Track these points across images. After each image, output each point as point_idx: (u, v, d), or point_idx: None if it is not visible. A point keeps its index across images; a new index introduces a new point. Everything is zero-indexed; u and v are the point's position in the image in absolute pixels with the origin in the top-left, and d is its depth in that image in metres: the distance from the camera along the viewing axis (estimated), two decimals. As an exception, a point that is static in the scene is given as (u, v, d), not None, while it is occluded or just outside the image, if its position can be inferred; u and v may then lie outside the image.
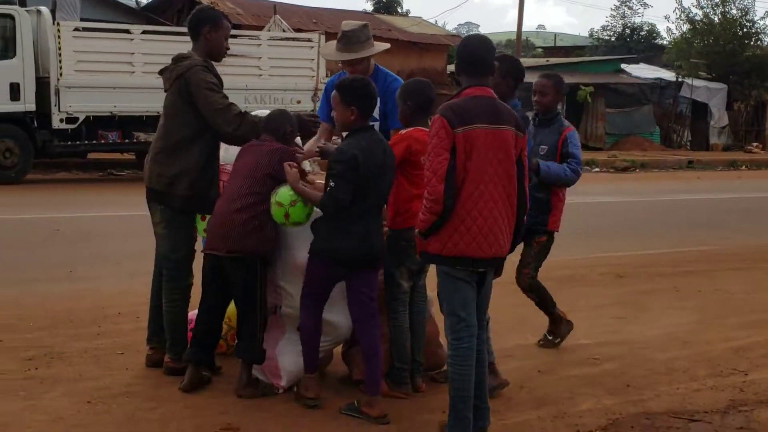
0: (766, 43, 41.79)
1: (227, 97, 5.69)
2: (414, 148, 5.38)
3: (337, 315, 5.53)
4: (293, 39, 20.50)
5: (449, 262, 4.67)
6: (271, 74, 18.48)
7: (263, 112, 5.89)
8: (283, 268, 5.52)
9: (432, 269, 5.18)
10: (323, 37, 19.47)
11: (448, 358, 4.83)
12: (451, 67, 35.62)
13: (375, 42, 6.13)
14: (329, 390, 5.60)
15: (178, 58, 5.82)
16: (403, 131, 5.53)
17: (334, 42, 6.17)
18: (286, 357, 5.56)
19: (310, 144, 6.04)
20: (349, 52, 6.01)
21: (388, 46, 6.32)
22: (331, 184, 5.03)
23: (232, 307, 5.80)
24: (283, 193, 5.22)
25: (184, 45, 18.98)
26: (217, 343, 5.72)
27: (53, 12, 17.37)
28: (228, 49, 5.99)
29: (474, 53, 4.82)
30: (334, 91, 5.35)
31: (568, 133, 6.80)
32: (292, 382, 5.54)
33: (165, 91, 5.84)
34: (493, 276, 4.95)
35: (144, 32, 18.04)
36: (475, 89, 4.75)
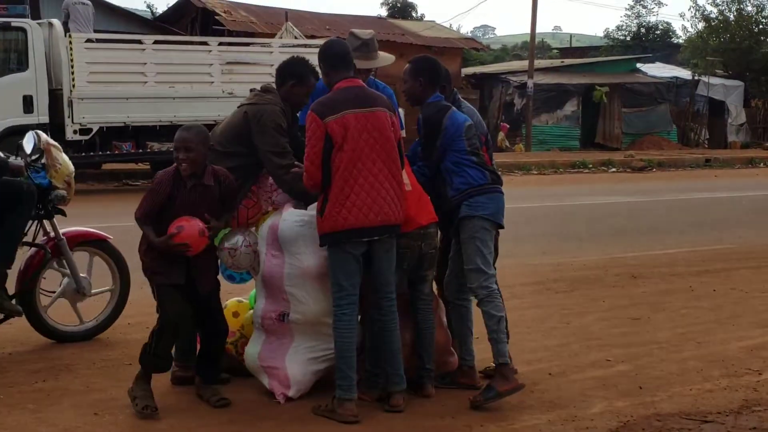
0: (782, 40, 41.53)
1: (291, 152, 5.66)
2: None
3: None
4: (305, 45, 20.50)
5: (342, 237, 5.18)
6: (284, 81, 18.50)
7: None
8: (289, 272, 5.48)
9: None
10: (336, 44, 19.50)
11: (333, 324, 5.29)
12: (466, 70, 35.63)
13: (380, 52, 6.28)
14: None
15: (265, 89, 5.89)
16: None
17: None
18: (295, 366, 5.52)
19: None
20: (371, 60, 6.16)
21: (392, 57, 6.45)
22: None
23: (248, 315, 5.83)
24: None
25: (196, 54, 19.12)
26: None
27: (65, 24, 17.44)
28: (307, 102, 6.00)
29: (339, 51, 5.49)
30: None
31: None
32: (301, 393, 5.51)
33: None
34: (389, 246, 5.33)
35: (156, 42, 18.12)
36: (344, 81, 5.37)
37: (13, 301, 6.30)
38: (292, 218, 5.49)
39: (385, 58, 6.36)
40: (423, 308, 5.72)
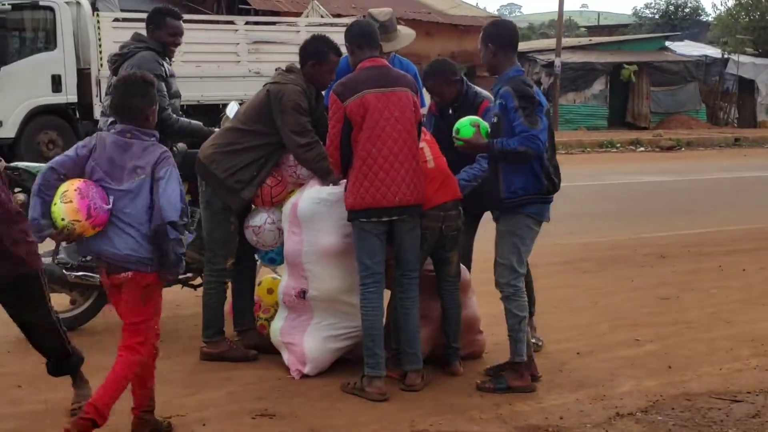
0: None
1: (312, 130, 5.68)
2: None
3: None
4: (331, 24, 20.47)
5: (362, 215, 5.23)
6: (311, 60, 18.48)
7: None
8: (307, 249, 5.50)
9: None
10: (362, 22, 19.44)
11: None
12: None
13: (399, 27, 6.25)
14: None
15: (289, 69, 5.91)
16: None
17: None
18: (313, 343, 5.56)
19: None
20: (390, 42, 6.24)
21: (413, 33, 6.47)
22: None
23: (272, 297, 5.87)
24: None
25: (222, 33, 19.09)
26: None
27: (94, 5, 17.48)
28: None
29: (363, 31, 5.50)
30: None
31: None
32: (317, 370, 5.55)
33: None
34: (411, 225, 5.33)
35: (183, 21, 18.12)
36: (367, 61, 5.40)
37: None
38: (310, 196, 5.52)
39: (405, 36, 6.36)
40: (448, 289, 5.71)
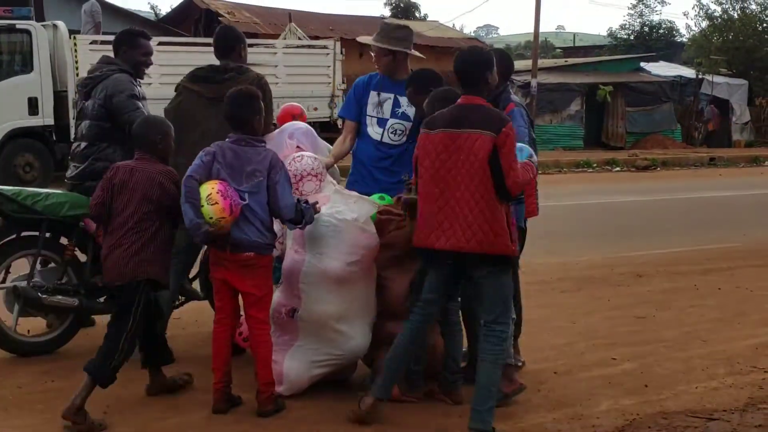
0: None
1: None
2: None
3: (351, 327, 5.53)
4: (309, 46, 20.55)
5: (416, 250, 5.19)
6: (288, 82, 18.53)
7: None
8: (307, 270, 5.48)
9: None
10: (339, 44, 19.51)
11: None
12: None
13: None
14: (345, 396, 5.58)
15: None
16: None
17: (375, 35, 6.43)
18: (294, 364, 5.54)
19: (337, 144, 6.36)
20: (385, 43, 6.29)
21: (420, 55, 6.59)
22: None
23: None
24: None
25: (200, 56, 19.16)
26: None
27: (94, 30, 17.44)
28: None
29: (463, 68, 5.10)
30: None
31: None
32: (290, 392, 5.52)
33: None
34: (484, 273, 4.98)
35: (160, 44, 18.11)
36: (462, 98, 5.10)
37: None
38: (320, 217, 5.48)
39: (401, 46, 6.41)
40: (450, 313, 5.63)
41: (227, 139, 5.27)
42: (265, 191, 5.14)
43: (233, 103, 5.28)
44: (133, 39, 6.51)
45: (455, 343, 5.67)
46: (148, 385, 5.61)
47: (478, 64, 5.08)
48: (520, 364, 6.20)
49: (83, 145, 6.32)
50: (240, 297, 5.38)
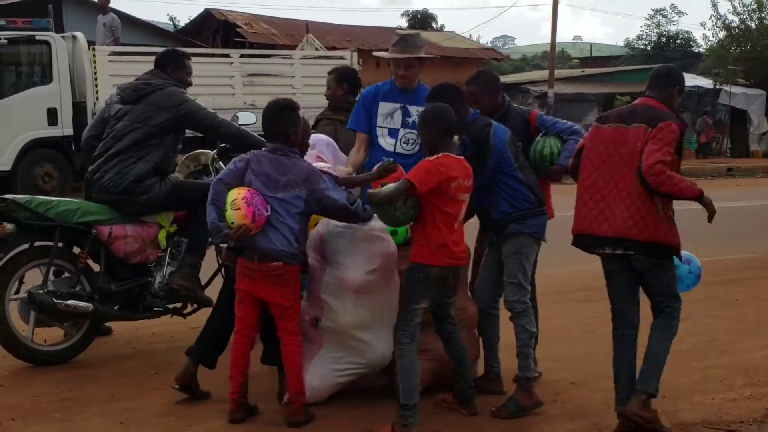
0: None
1: None
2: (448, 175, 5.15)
3: (374, 336, 5.53)
4: (326, 57, 20.58)
5: (575, 239, 5.43)
6: (305, 92, 18.54)
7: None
8: (327, 280, 5.49)
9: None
10: (355, 54, 19.55)
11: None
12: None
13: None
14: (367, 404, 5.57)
15: None
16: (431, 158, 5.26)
17: (390, 47, 6.40)
18: (316, 372, 5.54)
19: (352, 155, 6.35)
20: (409, 53, 6.28)
21: (437, 55, 6.63)
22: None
23: None
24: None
25: (217, 66, 19.21)
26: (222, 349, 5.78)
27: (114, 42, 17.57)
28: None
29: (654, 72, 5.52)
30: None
31: None
32: (314, 400, 5.51)
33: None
34: (645, 266, 5.27)
35: (179, 55, 18.21)
36: (640, 99, 5.46)
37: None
38: (337, 229, 5.52)
39: (427, 53, 6.50)
40: (449, 331, 5.47)
41: (263, 149, 5.38)
42: (298, 202, 5.19)
43: (270, 113, 5.36)
44: (182, 60, 6.85)
45: (496, 335, 5.88)
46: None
47: (673, 76, 5.45)
48: (536, 374, 6.19)
49: (119, 147, 6.38)
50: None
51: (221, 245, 6.19)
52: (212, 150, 7.09)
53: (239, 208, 5.04)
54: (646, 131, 5.11)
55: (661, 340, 5.36)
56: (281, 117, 5.34)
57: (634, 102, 5.45)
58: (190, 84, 6.91)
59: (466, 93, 5.94)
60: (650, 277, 5.30)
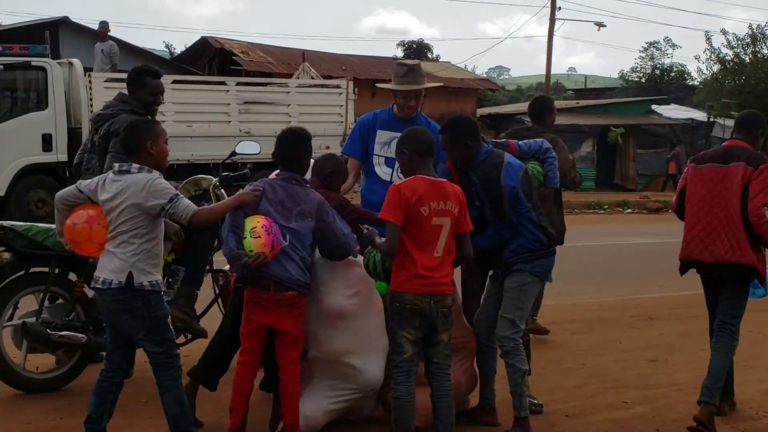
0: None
1: None
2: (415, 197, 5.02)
3: (363, 361, 5.50)
4: (322, 86, 20.67)
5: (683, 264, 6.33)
6: (301, 121, 18.59)
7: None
8: (314, 311, 5.44)
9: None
10: (351, 83, 19.62)
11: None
12: (481, 111, 35.68)
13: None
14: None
15: None
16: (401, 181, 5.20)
17: (395, 77, 6.42)
18: (309, 401, 5.50)
19: (347, 184, 6.24)
20: (418, 84, 6.34)
21: (441, 83, 6.65)
22: None
23: None
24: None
25: (213, 94, 19.19)
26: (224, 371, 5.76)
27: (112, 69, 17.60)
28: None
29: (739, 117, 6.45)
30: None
31: None
32: (309, 429, 5.47)
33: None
34: (728, 285, 6.18)
35: (174, 82, 18.27)
36: (728, 141, 6.25)
37: None
38: (316, 258, 5.48)
39: (432, 83, 6.54)
40: (436, 373, 5.17)
41: (276, 176, 5.36)
42: (308, 232, 5.19)
43: (285, 142, 5.35)
44: (141, 79, 6.46)
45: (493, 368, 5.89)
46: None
47: (759, 121, 6.23)
48: (536, 402, 6.16)
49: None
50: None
51: (226, 273, 6.18)
52: (213, 176, 7.03)
53: (259, 236, 4.98)
54: (746, 168, 5.85)
55: (724, 359, 6.14)
56: (297, 145, 5.33)
57: (724, 144, 6.26)
58: (157, 103, 6.53)
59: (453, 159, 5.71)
60: (728, 294, 6.16)
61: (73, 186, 5.09)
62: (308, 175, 5.55)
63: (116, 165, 4.95)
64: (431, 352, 5.13)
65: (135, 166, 4.87)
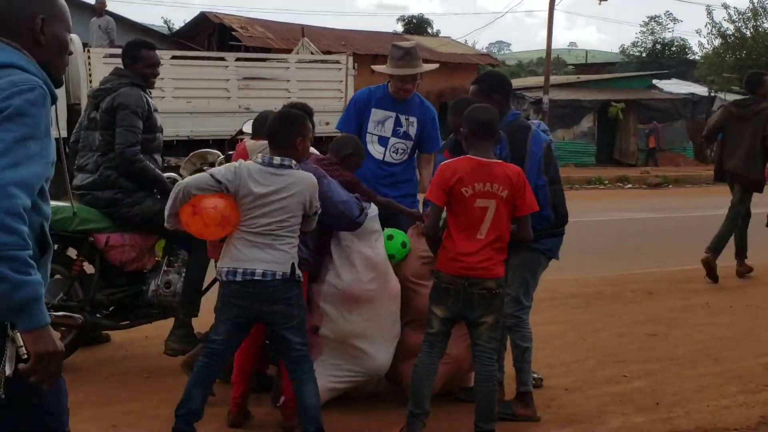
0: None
1: None
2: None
3: (373, 346, 5.52)
4: (321, 61, 20.59)
5: None
6: (300, 96, 18.46)
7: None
8: (326, 289, 5.47)
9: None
10: (351, 59, 19.55)
11: None
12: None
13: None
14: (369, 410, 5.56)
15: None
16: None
17: (391, 60, 6.38)
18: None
19: None
20: (414, 67, 6.30)
21: (437, 65, 6.63)
22: None
23: None
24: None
25: (213, 70, 19.13)
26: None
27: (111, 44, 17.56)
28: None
29: None
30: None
31: None
32: None
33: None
34: None
35: (173, 57, 18.19)
36: None
37: None
38: (335, 239, 5.48)
39: (428, 65, 6.52)
40: (478, 355, 5.06)
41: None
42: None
43: (274, 122, 5.12)
44: (136, 51, 6.43)
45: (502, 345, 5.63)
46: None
47: None
48: (536, 376, 6.16)
49: (95, 155, 6.31)
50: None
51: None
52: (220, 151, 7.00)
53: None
54: None
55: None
56: (292, 125, 5.13)
57: None
58: (154, 75, 6.49)
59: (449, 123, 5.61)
60: None
61: (205, 174, 4.93)
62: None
63: (267, 158, 4.88)
64: (475, 333, 5.03)
65: (292, 161, 4.88)
